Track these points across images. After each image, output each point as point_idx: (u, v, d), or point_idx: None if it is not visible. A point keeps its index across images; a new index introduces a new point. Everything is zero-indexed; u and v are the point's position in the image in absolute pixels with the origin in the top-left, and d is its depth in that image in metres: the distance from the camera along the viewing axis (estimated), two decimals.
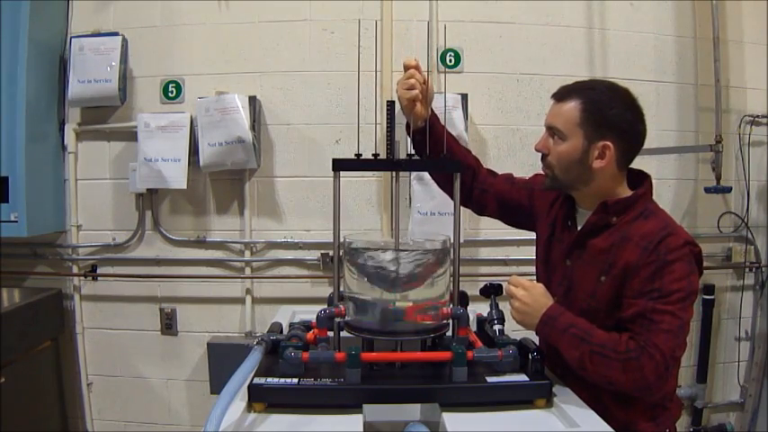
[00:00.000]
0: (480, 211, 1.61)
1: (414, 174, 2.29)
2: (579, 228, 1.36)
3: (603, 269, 1.27)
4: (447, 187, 1.52)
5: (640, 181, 1.34)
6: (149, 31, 2.47)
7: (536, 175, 1.53)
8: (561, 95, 1.32)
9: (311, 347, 1.25)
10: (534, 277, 1.50)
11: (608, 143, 1.27)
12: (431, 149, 1.37)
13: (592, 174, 1.30)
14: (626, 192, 1.33)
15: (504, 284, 1.37)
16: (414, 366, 1.25)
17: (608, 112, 1.27)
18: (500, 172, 1.61)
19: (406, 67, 1.38)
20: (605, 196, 1.31)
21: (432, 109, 1.44)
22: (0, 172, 2.25)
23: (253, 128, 2.35)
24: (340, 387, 1.14)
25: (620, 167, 1.31)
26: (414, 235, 1.42)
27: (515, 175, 1.61)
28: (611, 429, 1.09)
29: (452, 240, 1.33)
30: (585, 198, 1.35)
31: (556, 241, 1.42)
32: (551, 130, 1.32)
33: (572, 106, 1.29)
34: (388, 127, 1.31)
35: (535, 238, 1.54)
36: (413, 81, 1.36)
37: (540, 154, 1.36)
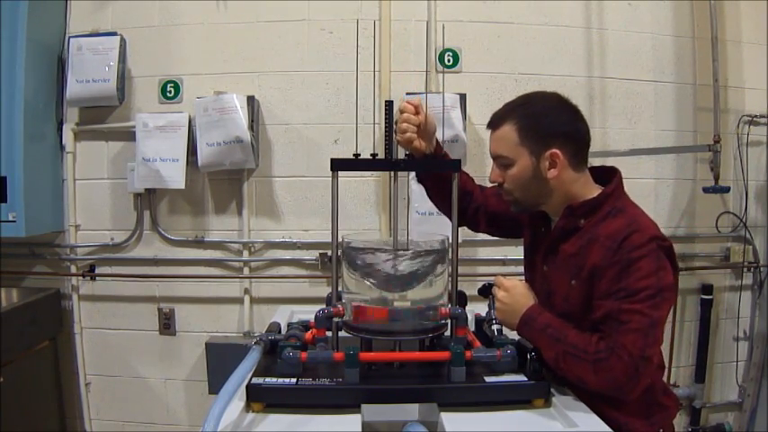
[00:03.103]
0: (474, 228, 1.63)
1: (412, 174, 2.29)
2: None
3: (573, 273, 1.26)
4: (446, 210, 1.54)
5: (610, 178, 1.33)
6: (148, 30, 2.47)
7: None
8: (494, 124, 1.34)
9: (309, 347, 1.25)
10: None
11: (554, 150, 1.27)
12: (436, 181, 1.49)
13: (550, 185, 1.30)
14: (593, 192, 1.31)
15: None
16: (412, 366, 1.25)
17: (543, 121, 1.28)
18: None
19: (401, 112, 1.42)
20: (573, 202, 1.30)
21: (438, 141, 1.48)
22: None
23: (251, 128, 2.35)
24: (338, 387, 1.14)
25: (576, 170, 1.30)
26: (412, 235, 1.42)
27: None
28: (609, 429, 1.09)
29: (451, 240, 1.33)
30: (556, 209, 1.34)
31: (535, 248, 1.43)
32: (498, 159, 1.34)
33: (507, 129, 1.30)
34: (386, 127, 1.31)
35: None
36: (405, 125, 1.41)
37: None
